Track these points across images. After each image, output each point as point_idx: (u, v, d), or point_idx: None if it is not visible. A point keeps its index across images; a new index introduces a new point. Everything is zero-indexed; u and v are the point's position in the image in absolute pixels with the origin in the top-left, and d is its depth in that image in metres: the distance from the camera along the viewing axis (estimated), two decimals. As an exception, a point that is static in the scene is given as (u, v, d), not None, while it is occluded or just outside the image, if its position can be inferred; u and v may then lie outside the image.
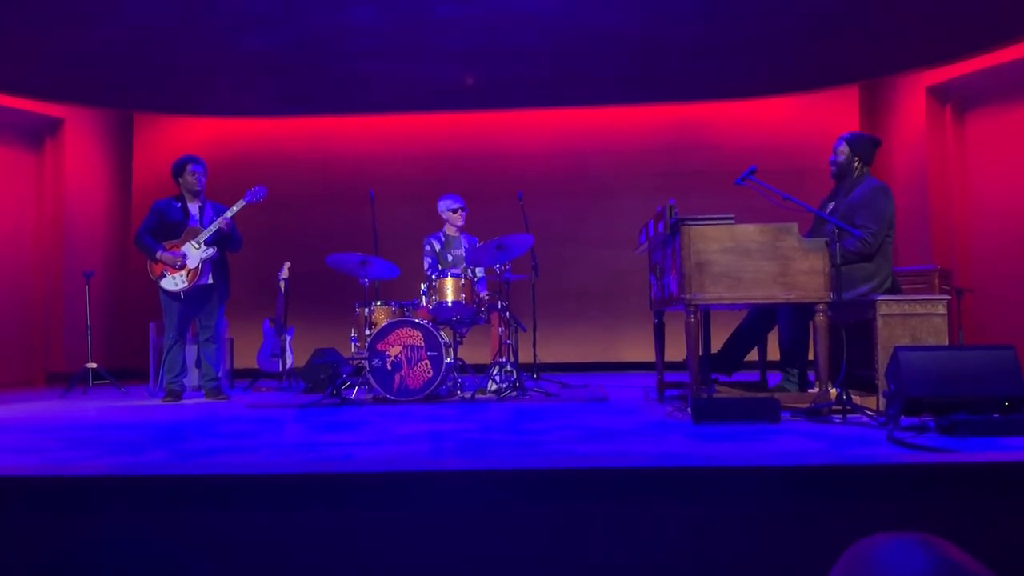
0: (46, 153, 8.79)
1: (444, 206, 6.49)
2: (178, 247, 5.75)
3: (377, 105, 9.00)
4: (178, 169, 5.95)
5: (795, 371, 4.66)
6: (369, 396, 5.63)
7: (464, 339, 6.03)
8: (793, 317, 4.57)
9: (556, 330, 8.33)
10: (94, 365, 6.88)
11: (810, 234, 4.58)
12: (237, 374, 7.77)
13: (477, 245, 5.93)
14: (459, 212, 6.45)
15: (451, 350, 5.57)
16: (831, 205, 4.69)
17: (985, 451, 2.78)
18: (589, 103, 9.07)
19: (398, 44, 7.37)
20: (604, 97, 8.88)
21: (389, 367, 5.38)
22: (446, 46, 7.41)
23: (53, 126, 8.72)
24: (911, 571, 0.84)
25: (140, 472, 2.52)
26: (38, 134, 8.76)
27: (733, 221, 4.14)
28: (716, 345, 5.15)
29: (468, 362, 6.08)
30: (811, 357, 4.32)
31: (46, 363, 8.60)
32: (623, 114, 9.25)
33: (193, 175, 5.90)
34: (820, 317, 4.06)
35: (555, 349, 8.10)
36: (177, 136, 9.34)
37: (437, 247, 6.45)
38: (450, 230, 6.50)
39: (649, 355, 5.70)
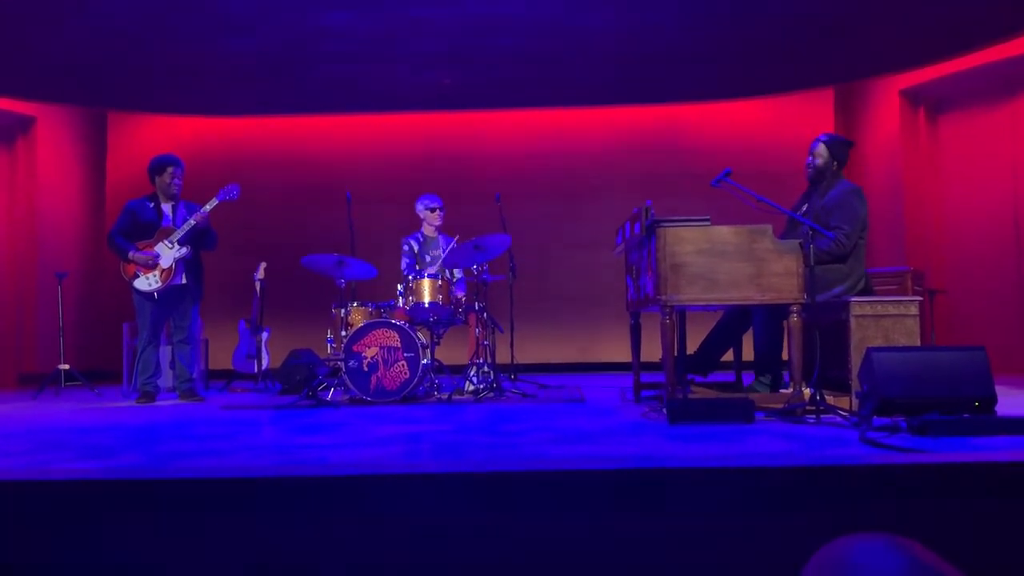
0: (18, 151, 8.67)
1: (422, 205, 6.47)
2: (151, 247, 5.70)
3: (354, 106, 8.96)
4: (156, 168, 5.87)
5: (768, 378, 4.69)
6: (345, 397, 5.61)
7: (441, 340, 6.01)
8: (768, 318, 4.60)
9: (534, 331, 8.33)
10: (67, 366, 6.80)
11: (784, 236, 4.62)
12: (212, 375, 7.70)
13: (454, 246, 5.92)
14: (437, 211, 6.44)
15: (428, 351, 5.57)
16: (804, 207, 4.73)
17: (956, 451, 2.82)
18: (566, 104, 9.10)
19: (375, 46, 7.35)
20: (581, 99, 8.91)
21: (365, 368, 5.37)
22: (423, 47, 7.40)
23: (24, 124, 8.60)
24: (887, 573, 0.84)
25: (113, 476, 2.50)
26: (9, 132, 8.64)
27: (709, 223, 4.17)
28: (692, 346, 5.17)
29: (445, 363, 6.07)
30: (785, 358, 4.35)
31: (18, 364, 8.49)
32: (600, 116, 9.27)
33: (171, 177, 5.83)
34: (794, 318, 4.09)
35: (533, 350, 8.11)
36: (151, 135, 9.25)
37: (415, 247, 6.43)
38: (428, 230, 6.48)
39: (626, 356, 5.72)
